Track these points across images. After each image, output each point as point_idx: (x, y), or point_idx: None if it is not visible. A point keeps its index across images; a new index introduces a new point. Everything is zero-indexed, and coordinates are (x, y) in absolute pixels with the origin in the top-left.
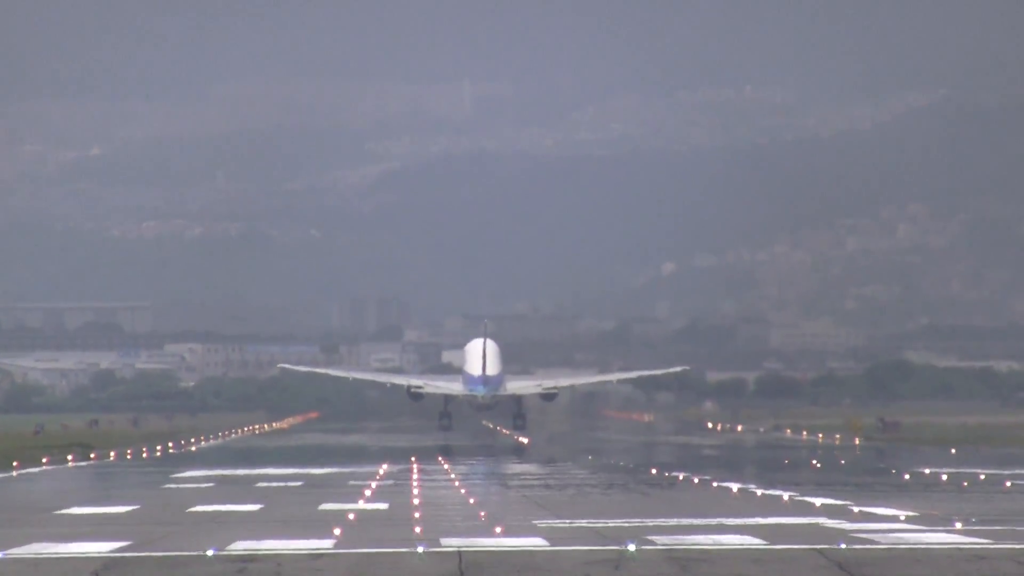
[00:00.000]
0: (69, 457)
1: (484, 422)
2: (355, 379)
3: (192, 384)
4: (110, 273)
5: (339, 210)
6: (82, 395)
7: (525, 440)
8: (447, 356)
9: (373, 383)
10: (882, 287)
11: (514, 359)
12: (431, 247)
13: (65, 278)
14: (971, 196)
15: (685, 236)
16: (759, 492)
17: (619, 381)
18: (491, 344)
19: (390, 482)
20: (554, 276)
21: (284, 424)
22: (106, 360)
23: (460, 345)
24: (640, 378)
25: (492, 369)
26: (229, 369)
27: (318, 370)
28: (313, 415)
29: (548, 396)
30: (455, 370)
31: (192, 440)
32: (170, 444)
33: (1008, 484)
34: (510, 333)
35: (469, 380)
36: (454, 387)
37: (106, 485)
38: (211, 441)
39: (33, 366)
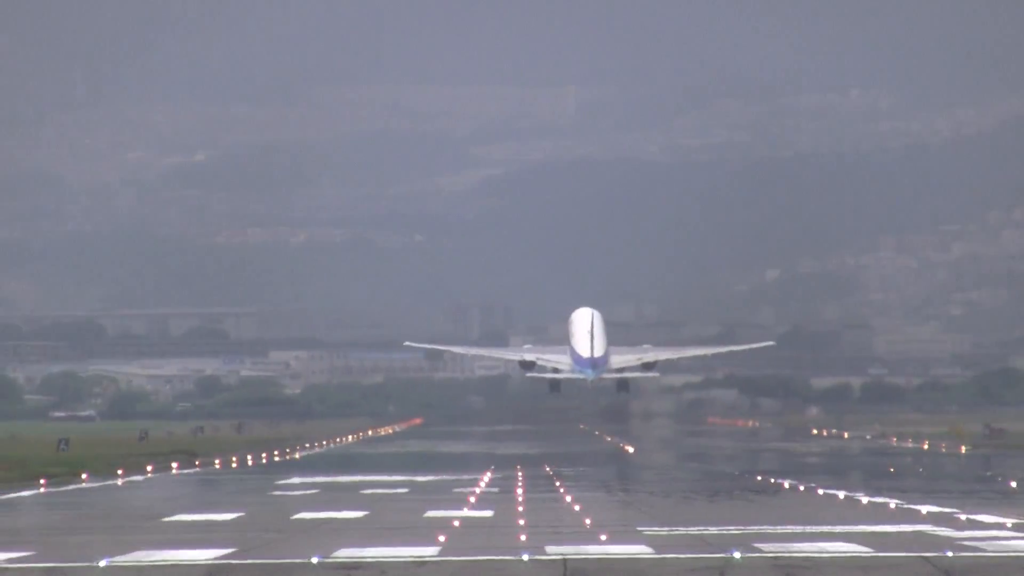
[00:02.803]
0: (174, 464)
1: (582, 425)
2: (473, 355)
3: (297, 391)
4: (215, 280)
5: (442, 216)
6: (187, 401)
7: (630, 448)
8: None
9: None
10: (988, 293)
11: None
12: (534, 253)
13: (170, 285)
14: None
15: (789, 242)
16: (865, 499)
17: (713, 356)
18: (597, 318)
19: (495, 489)
20: (658, 282)
21: (388, 430)
22: (211, 367)
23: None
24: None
25: (599, 349)
26: (333, 376)
27: (441, 347)
28: (417, 421)
29: (648, 367)
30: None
31: (297, 447)
32: (275, 451)
33: None
34: (614, 339)
35: (578, 360)
36: (563, 361)
37: (211, 492)
38: (316, 448)
39: (137, 372)
